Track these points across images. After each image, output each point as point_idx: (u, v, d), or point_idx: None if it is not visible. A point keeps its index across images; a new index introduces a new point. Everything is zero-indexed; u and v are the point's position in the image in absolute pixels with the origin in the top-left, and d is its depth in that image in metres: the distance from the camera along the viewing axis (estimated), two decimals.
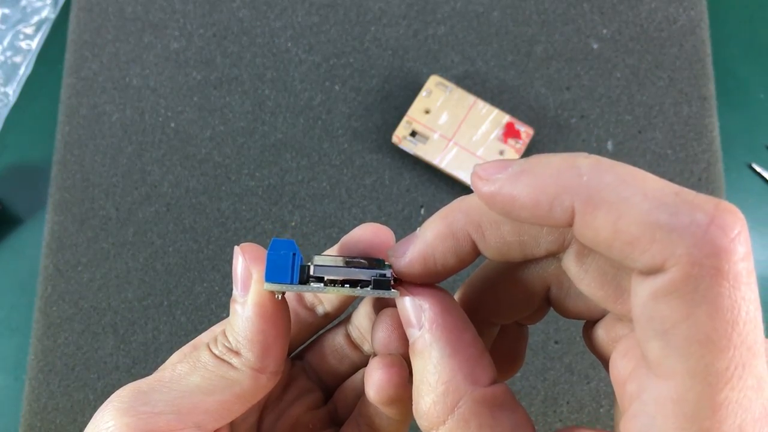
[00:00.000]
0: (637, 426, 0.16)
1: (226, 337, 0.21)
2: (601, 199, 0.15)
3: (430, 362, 0.18)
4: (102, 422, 0.20)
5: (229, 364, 0.21)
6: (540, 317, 0.23)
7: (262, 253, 0.21)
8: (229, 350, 0.21)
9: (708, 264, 0.14)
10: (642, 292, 0.15)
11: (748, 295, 0.14)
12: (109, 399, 0.21)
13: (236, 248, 0.21)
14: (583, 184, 0.15)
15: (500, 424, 0.18)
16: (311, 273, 0.19)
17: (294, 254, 0.19)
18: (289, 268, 0.19)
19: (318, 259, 0.20)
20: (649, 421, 0.15)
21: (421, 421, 0.19)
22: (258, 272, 0.20)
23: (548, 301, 0.22)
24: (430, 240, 0.19)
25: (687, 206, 0.14)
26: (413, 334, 0.19)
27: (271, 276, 0.19)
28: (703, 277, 0.14)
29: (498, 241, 0.18)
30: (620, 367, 0.18)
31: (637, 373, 0.16)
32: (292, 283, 0.19)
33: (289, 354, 0.27)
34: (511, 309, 0.22)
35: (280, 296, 0.21)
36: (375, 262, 0.20)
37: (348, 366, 0.26)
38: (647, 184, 0.15)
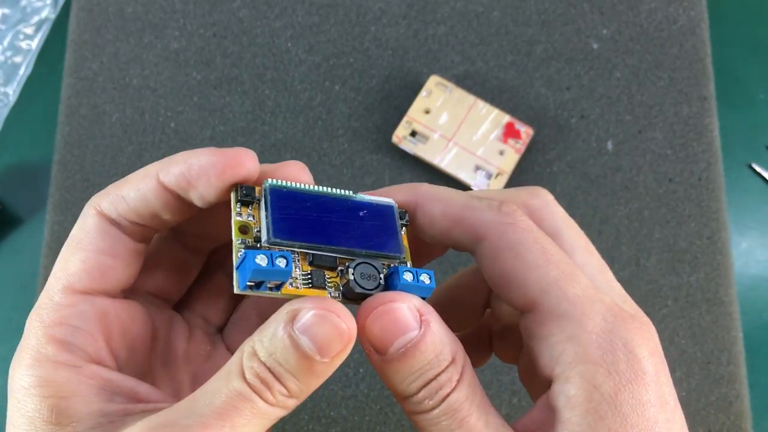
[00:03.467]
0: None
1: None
2: (434, 197, 0.22)
3: (435, 346, 0.19)
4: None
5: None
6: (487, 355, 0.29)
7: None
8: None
9: (506, 221, 0.21)
10: (482, 259, 0.21)
11: (538, 235, 0.21)
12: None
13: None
14: (422, 191, 0.22)
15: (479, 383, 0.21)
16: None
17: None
18: None
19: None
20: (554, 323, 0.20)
21: (415, 405, 0.19)
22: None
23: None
24: None
25: (485, 198, 0.22)
26: (409, 336, 0.19)
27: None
28: (507, 230, 0.21)
29: (427, 222, 0.22)
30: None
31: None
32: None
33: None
34: (466, 313, 0.27)
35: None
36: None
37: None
38: (458, 192, 0.22)
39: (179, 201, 0.21)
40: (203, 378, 0.20)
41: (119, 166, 0.54)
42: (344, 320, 0.19)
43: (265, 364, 0.18)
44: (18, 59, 0.62)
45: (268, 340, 0.18)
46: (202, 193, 0.20)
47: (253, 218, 0.21)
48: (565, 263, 0.20)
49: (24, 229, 0.58)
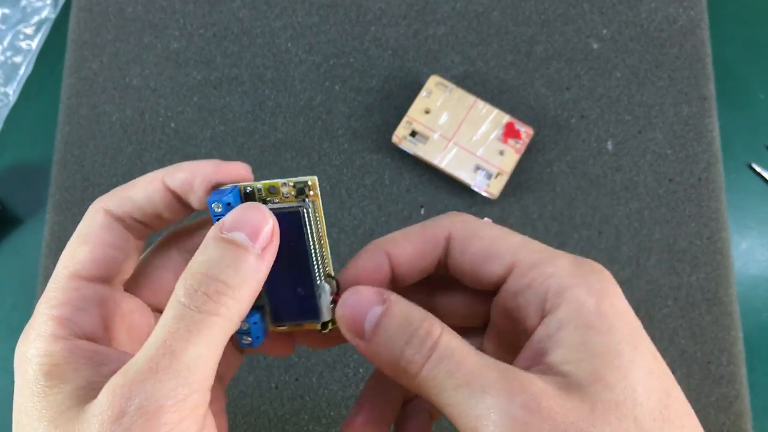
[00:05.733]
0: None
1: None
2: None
3: (402, 311, 0.21)
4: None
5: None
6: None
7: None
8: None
9: (459, 220, 0.25)
10: (454, 257, 0.24)
11: (489, 222, 0.24)
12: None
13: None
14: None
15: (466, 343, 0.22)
16: None
17: None
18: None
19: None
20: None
21: (409, 366, 0.21)
22: None
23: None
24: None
25: (430, 221, 0.25)
26: (376, 310, 0.22)
27: None
28: (466, 224, 0.25)
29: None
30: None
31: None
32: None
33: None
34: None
35: None
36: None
37: None
38: (411, 228, 0.25)
39: (179, 203, 0.24)
40: None
41: (119, 166, 0.54)
42: (265, 209, 0.22)
43: (200, 272, 0.20)
44: (18, 59, 0.62)
45: (200, 253, 0.21)
46: (200, 197, 0.24)
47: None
48: (519, 235, 0.24)
49: (24, 229, 0.58)
